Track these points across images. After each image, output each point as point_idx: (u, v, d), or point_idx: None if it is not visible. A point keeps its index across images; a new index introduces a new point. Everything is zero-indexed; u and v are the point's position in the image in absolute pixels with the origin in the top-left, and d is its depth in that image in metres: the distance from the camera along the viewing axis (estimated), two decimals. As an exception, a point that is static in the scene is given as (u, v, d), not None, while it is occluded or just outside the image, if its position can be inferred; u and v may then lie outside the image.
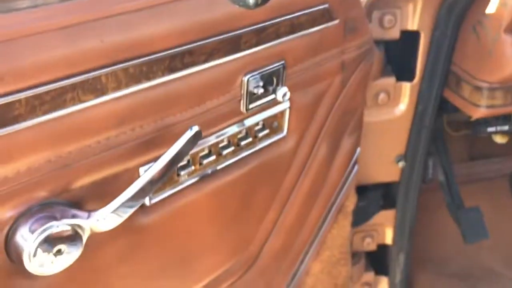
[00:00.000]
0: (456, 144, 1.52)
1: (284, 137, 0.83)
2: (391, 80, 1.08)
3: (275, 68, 0.75)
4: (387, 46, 1.07)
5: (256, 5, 0.43)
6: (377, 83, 1.08)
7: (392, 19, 1.03)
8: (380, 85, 1.08)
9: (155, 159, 0.65)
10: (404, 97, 1.10)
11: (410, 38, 1.05)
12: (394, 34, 1.04)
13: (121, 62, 0.57)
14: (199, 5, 0.63)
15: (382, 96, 1.10)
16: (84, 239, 0.59)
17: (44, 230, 0.56)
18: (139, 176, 0.65)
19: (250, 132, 0.78)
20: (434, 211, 1.39)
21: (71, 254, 0.59)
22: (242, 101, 0.73)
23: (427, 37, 1.04)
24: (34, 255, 0.56)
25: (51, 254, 0.57)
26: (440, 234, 1.44)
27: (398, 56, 1.10)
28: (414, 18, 1.03)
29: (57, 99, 0.54)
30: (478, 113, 1.06)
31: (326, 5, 0.78)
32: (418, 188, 1.19)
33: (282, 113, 0.81)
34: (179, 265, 0.77)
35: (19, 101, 0.51)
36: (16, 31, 0.50)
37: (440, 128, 1.28)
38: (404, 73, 1.09)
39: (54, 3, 0.53)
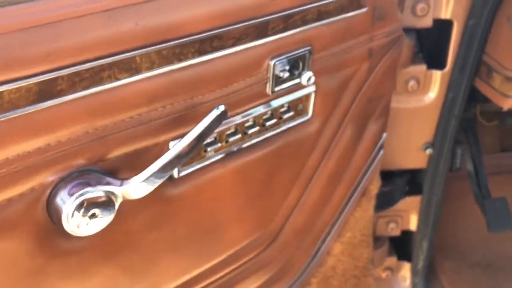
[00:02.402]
0: (488, 134, 1.51)
1: (308, 120, 0.86)
2: (421, 68, 1.09)
3: (301, 53, 0.78)
4: (419, 33, 1.08)
5: None
6: (408, 70, 1.09)
7: (425, 7, 1.03)
8: (410, 72, 1.09)
9: (184, 135, 0.70)
10: (434, 85, 1.11)
11: (442, 26, 1.05)
12: (427, 22, 1.04)
13: (154, 44, 0.62)
14: None
15: (412, 83, 1.11)
16: (117, 205, 0.65)
17: (81, 195, 0.62)
18: (168, 150, 0.70)
19: (275, 113, 0.82)
20: (460, 200, 1.39)
21: (104, 218, 0.65)
22: (268, 84, 0.77)
23: (460, 26, 1.04)
24: (72, 216, 0.62)
25: (86, 217, 0.63)
26: (465, 223, 1.44)
27: (429, 44, 1.10)
28: (448, 7, 1.03)
29: (95, 77, 0.59)
30: (508, 103, 1.06)
31: (354, -7, 0.80)
32: (444, 176, 1.20)
33: (307, 96, 0.84)
34: (204, 235, 0.82)
35: (62, 77, 0.57)
36: (62, 13, 0.55)
37: (472, 117, 1.27)
38: (435, 61, 1.10)
39: (95, -12, 0.58)
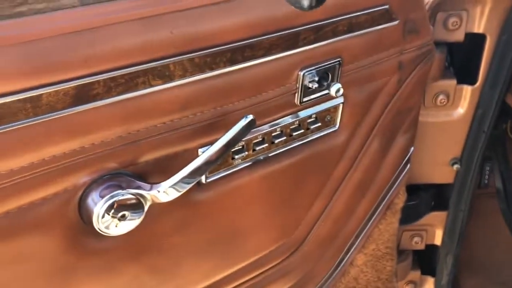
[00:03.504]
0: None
1: (336, 131, 0.87)
2: (451, 82, 1.08)
3: (331, 65, 0.79)
4: (450, 47, 1.07)
5: (310, 7, 0.47)
6: (437, 84, 1.08)
7: (457, 21, 1.02)
8: (440, 87, 1.08)
9: (213, 142, 0.71)
10: (464, 100, 1.10)
11: (474, 40, 1.04)
12: (459, 36, 1.03)
13: (187, 52, 0.64)
14: (261, 3, 0.68)
15: (441, 97, 1.10)
16: (146, 207, 0.67)
17: (112, 197, 0.64)
18: (197, 157, 0.72)
19: (302, 123, 0.82)
20: (489, 217, 1.37)
21: (133, 220, 0.67)
22: (296, 94, 0.78)
23: (493, 41, 1.03)
24: (102, 217, 0.64)
25: (116, 218, 0.65)
26: (493, 241, 1.41)
27: (460, 58, 1.09)
28: (481, 21, 1.02)
29: (130, 82, 0.61)
30: (540, 121, 1.04)
31: (386, 6, 0.80)
32: (471, 192, 1.19)
33: (335, 107, 0.85)
34: (229, 241, 0.83)
35: (98, 82, 0.59)
36: (100, 20, 0.58)
37: (502, 133, 1.25)
38: (466, 76, 1.09)
39: (133, -3, 0.60)
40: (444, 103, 1.10)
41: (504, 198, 1.23)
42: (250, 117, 0.69)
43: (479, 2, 1.00)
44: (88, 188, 0.65)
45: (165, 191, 0.67)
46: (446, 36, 1.03)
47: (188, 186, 0.68)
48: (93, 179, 0.65)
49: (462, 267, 1.32)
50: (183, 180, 0.67)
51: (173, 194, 0.67)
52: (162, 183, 0.67)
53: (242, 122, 0.68)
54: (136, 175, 0.68)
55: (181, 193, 0.68)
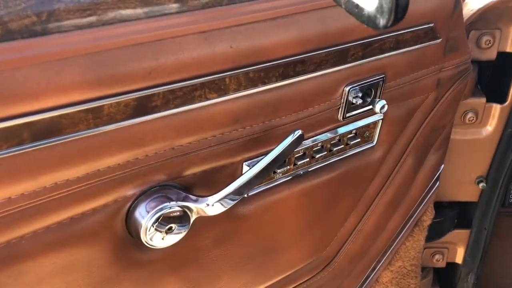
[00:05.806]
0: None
1: (373, 147, 0.87)
2: (481, 101, 1.08)
3: (375, 81, 0.78)
4: (480, 65, 1.07)
5: (386, 27, 0.47)
6: (467, 102, 1.08)
7: (490, 39, 1.03)
8: (469, 104, 1.08)
9: (258, 156, 0.71)
10: (492, 119, 1.10)
11: (504, 59, 1.04)
12: (491, 55, 1.04)
13: (244, 66, 0.63)
14: (315, 19, 0.68)
15: (470, 115, 1.10)
16: (192, 220, 0.66)
17: (160, 209, 0.63)
18: (242, 170, 0.71)
19: (342, 139, 0.82)
20: (510, 236, 1.37)
21: (179, 233, 0.66)
22: (340, 110, 0.78)
23: None
24: (149, 230, 0.63)
25: (163, 231, 0.64)
26: (513, 260, 1.41)
27: (490, 77, 1.09)
28: None
29: (188, 95, 0.60)
30: None
31: (431, 24, 0.80)
32: (496, 211, 1.18)
33: (374, 123, 0.84)
34: (266, 254, 0.82)
35: (158, 94, 0.58)
36: (164, 33, 0.57)
37: None
38: (495, 94, 1.09)
39: (196, 10, 0.60)
40: (473, 121, 1.10)
41: None
42: (299, 132, 0.68)
43: (513, 21, 1.00)
44: (136, 201, 0.64)
45: (213, 205, 0.66)
46: (479, 55, 1.03)
47: (234, 202, 0.67)
48: (142, 191, 0.64)
49: (482, 286, 1.32)
50: (230, 196, 0.66)
51: (219, 209, 0.67)
52: (209, 197, 0.66)
53: (291, 138, 0.68)
54: (183, 187, 0.67)
55: (227, 208, 0.67)
